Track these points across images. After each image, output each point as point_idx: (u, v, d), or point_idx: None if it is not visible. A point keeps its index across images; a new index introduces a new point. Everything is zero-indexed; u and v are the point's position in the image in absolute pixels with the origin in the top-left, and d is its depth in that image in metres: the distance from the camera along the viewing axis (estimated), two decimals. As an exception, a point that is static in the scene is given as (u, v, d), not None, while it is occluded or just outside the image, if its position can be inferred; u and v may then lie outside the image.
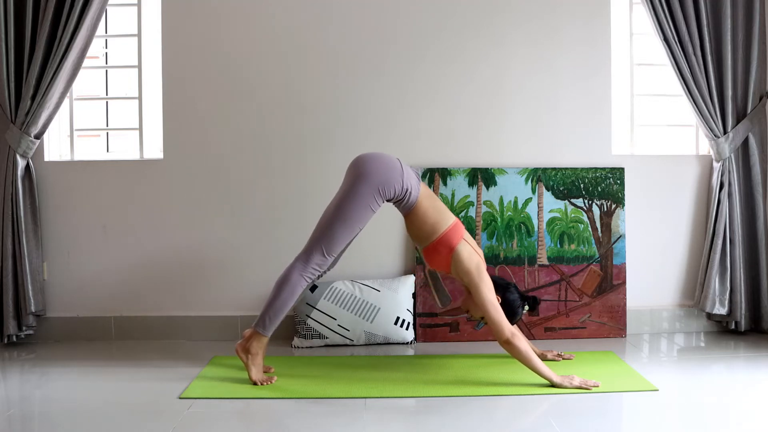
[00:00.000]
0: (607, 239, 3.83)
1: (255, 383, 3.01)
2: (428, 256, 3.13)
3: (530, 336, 3.77)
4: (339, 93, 3.86)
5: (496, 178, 3.84)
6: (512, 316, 3.10)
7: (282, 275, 3.04)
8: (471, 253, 3.05)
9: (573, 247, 3.83)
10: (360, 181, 2.99)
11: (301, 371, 3.21)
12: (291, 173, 3.87)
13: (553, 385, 2.94)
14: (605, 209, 3.85)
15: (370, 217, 3.03)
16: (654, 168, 3.94)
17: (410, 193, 3.05)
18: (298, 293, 3.03)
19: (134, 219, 3.87)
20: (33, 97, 3.62)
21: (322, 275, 3.13)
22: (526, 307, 3.17)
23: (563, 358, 3.36)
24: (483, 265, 3.06)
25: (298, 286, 3.01)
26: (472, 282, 3.01)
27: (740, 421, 2.64)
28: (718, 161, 3.82)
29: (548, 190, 3.84)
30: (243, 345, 3.07)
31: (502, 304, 3.05)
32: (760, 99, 3.84)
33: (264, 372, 3.11)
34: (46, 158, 3.86)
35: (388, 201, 3.07)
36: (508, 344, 2.92)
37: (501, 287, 3.13)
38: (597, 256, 3.83)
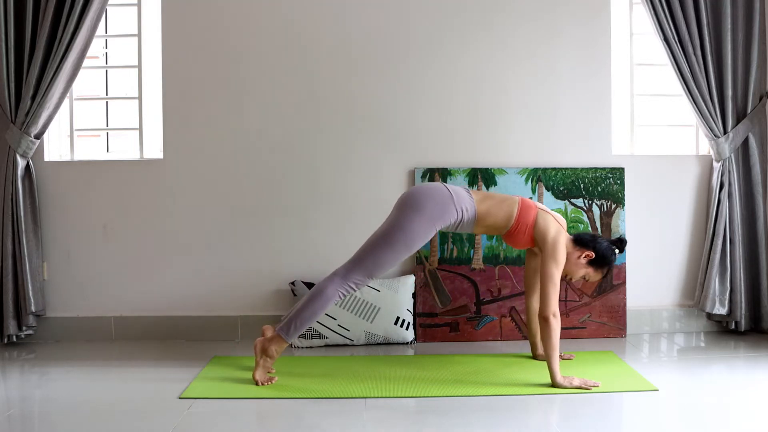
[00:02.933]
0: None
1: (256, 382, 3.01)
2: (510, 240, 3.17)
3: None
4: (339, 93, 3.86)
5: (496, 178, 3.84)
6: (608, 263, 3.13)
7: (318, 286, 3.04)
8: (549, 222, 3.08)
9: (573, 247, 3.83)
10: (414, 214, 3.01)
11: (301, 371, 3.21)
12: (291, 173, 3.87)
13: (553, 384, 2.95)
14: (605, 209, 3.85)
15: (420, 246, 3.07)
16: (654, 168, 3.94)
17: (466, 211, 3.07)
18: (329, 307, 3.04)
19: (134, 219, 3.87)
20: (33, 97, 3.62)
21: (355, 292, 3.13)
22: (616, 251, 3.18)
23: (563, 358, 3.36)
24: (562, 236, 3.06)
25: (332, 300, 3.02)
26: (545, 252, 3.04)
27: (740, 421, 2.64)
28: (718, 161, 3.82)
29: (548, 190, 3.84)
30: (264, 344, 3.06)
31: (597, 259, 3.10)
32: (760, 99, 3.83)
33: (265, 372, 3.11)
34: (46, 158, 3.86)
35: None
36: (546, 321, 2.96)
37: (589, 242, 3.13)
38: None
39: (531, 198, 3.82)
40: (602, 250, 3.12)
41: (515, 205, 3.12)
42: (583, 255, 3.11)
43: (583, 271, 3.13)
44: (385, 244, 3.01)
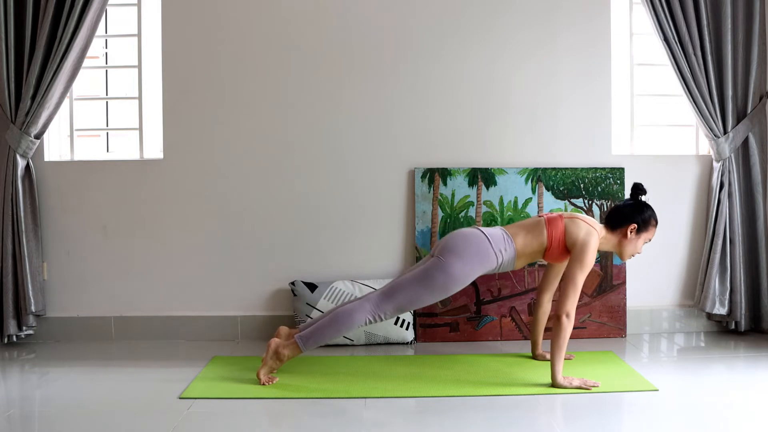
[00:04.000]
0: (607, 239, 3.83)
1: (259, 380, 3.01)
2: (550, 258, 3.16)
3: (530, 335, 3.77)
4: (339, 93, 3.86)
5: (496, 178, 3.84)
6: (651, 216, 3.12)
7: (347, 308, 3.05)
8: (578, 226, 3.07)
9: (573, 247, 3.82)
10: (456, 260, 3.02)
11: (302, 371, 3.21)
12: (291, 173, 3.87)
13: (553, 384, 2.95)
14: (605, 209, 3.85)
15: (457, 291, 3.09)
16: (654, 168, 3.93)
17: (505, 251, 3.08)
18: (353, 330, 3.06)
19: (134, 219, 3.87)
20: (33, 97, 3.62)
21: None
22: (643, 198, 3.17)
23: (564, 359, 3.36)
24: (592, 237, 3.03)
25: (358, 324, 3.03)
26: (573, 254, 3.04)
27: (740, 421, 2.64)
28: (718, 161, 3.82)
29: (548, 190, 3.84)
30: (278, 347, 3.04)
31: (642, 224, 3.08)
32: (760, 99, 3.83)
33: (267, 372, 3.11)
34: (46, 158, 3.86)
35: None
36: (558, 319, 2.96)
37: (623, 217, 3.10)
38: (597, 256, 3.82)
39: (531, 198, 3.82)
40: (636, 213, 3.10)
41: (542, 225, 3.12)
42: (629, 231, 3.10)
43: (641, 242, 3.13)
44: (424, 286, 3.03)
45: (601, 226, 3.15)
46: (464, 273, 3.03)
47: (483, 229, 3.14)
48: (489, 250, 3.05)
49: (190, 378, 3.13)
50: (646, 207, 3.15)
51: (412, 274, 3.09)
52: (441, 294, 3.06)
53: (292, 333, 3.22)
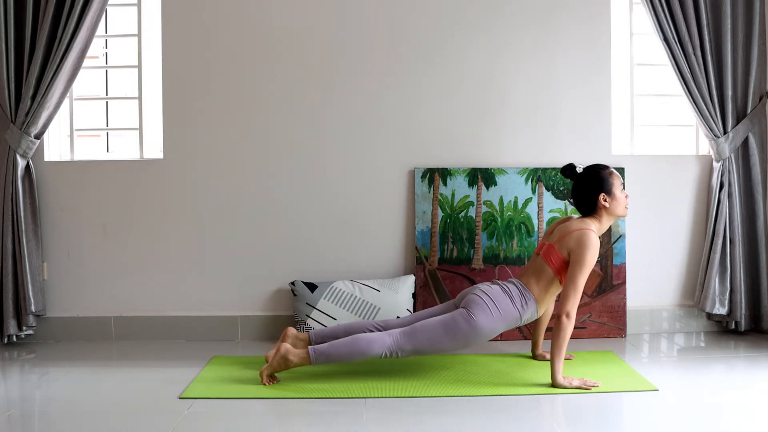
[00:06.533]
0: (607, 239, 3.83)
1: (261, 378, 3.01)
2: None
3: (531, 335, 3.77)
4: (339, 93, 3.86)
5: (496, 178, 3.84)
6: (604, 175, 3.15)
7: (368, 337, 3.04)
8: (569, 239, 3.06)
9: (573, 247, 3.82)
10: (482, 315, 3.02)
11: (301, 371, 3.20)
12: (291, 173, 3.87)
13: (553, 384, 2.95)
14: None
15: (476, 345, 3.12)
16: (654, 168, 3.94)
17: (526, 306, 3.09)
18: (366, 359, 3.04)
19: (134, 219, 3.87)
20: (33, 97, 3.62)
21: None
22: (580, 168, 3.19)
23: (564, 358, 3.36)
24: (585, 237, 3.01)
25: (372, 355, 3.02)
26: (572, 258, 3.04)
27: (740, 421, 2.64)
28: (718, 161, 3.82)
29: (548, 190, 3.84)
30: (288, 353, 3.02)
31: (605, 186, 3.12)
32: (760, 99, 3.83)
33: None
34: (46, 158, 3.86)
35: None
36: (558, 319, 2.97)
37: (591, 198, 3.13)
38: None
39: (531, 198, 3.82)
40: (591, 187, 3.13)
41: (542, 262, 3.12)
42: (603, 202, 3.11)
43: (619, 194, 3.13)
44: (448, 333, 3.02)
45: (589, 219, 3.15)
46: (489, 329, 3.03)
47: (502, 283, 3.13)
48: (512, 309, 3.06)
49: (190, 378, 3.13)
50: (591, 173, 3.17)
51: (438, 319, 3.06)
52: (462, 344, 3.05)
53: (299, 336, 3.23)
